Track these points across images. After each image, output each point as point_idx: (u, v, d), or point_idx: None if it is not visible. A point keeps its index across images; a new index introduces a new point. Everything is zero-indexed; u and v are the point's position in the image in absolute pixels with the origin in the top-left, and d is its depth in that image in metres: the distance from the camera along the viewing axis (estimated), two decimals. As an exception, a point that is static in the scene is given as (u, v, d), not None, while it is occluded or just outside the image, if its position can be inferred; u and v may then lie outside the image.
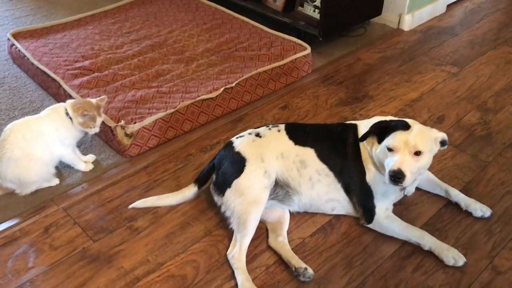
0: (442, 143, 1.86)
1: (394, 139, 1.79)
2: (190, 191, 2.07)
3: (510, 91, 2.88)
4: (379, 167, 1.88)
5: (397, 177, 1.73)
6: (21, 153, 2.04)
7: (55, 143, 2.12)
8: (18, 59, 3.02)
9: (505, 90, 2.88)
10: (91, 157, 2.29)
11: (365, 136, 1.90)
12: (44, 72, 2.77)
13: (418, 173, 1.82)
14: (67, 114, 2.12)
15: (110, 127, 2.33)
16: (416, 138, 1.77)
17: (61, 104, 2.19)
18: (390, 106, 2.74)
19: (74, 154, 2.22)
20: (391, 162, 1.77)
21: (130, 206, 2.05)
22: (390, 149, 1.79)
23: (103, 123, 2.26)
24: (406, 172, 1.73)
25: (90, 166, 2.26)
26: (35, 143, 2.07)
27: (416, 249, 1.89)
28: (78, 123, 2.12)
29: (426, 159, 1.81)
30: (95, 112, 2.13)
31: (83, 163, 2.25)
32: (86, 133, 2.21)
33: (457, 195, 2.08)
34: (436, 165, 2.29)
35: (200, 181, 2.08)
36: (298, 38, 3.12)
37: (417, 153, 1.77)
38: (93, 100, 2.18)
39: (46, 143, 2.10)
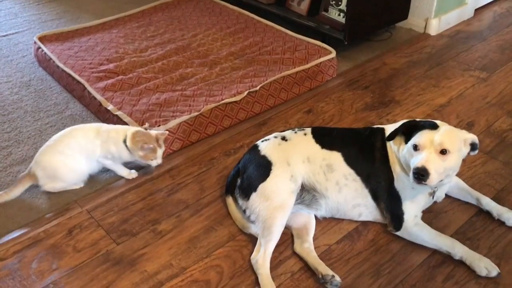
0: (472, 146, 1.81)
1: (421, 137, 1.75)
2: (231, 204, 2.00)
3: (542, 97, 2.80)
4: (406, 168, 1.83)
5: (420, 174, 1.68)
6: (69, 153, 2.08)
7: (101, 156, 2.13)
8: (44, 62, 3.04)
9: (537, 96, 2.80)
10: (134, 173, 2.24)
11: (393, 135, 1.85)
12: (69, 75, 2.79)
13: (446, 175, 1.76)
14: (124, 141, 2.10)
15: (134, 129, 2.32)
16: (442, 137, 1.72)
17: (123, 128, 2.17)
18: (417, 111, 2.68)
19: (118, 163, 2.21)
20: (416, 160, 1.72)
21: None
22: (415, 148, 1.75)
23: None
24: (430, 170, 1.68)
25: (134, 174, 2.23)
26: (85, 152, 2.10)
27: (446, 258, 1.82)
28: (138, 156, 2.10)
29: (454, 160, 1.74)
30: (155, 144, 2.10)
31: (126, 169, 2.22)
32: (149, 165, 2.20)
33: (488, 203, 2.01)
34: (466, 172, 2.22)
35: (230, 189, 2.03)
36: (323, 42, 3.08)
37: (443, 152, 1.71)
38: (153, 132, 2.13)
39: (93, 157, 2.12)
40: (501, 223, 1.96)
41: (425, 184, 1.71)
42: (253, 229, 1.90)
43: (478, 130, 2.52)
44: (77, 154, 2.10)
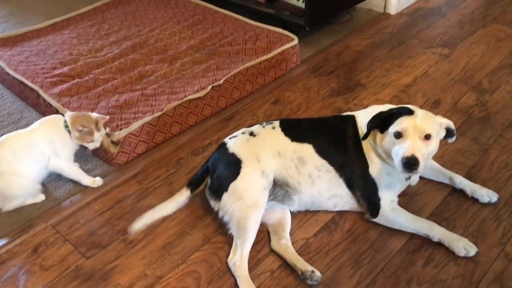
0: (448, 131, 1.80)
1: (402, 124, 1.71)
2: (182, 196, 1.96)
3: (504, 69, 2.82)
4: (385, 157, 1.80)
5: (411, 163, 1.64)
6: (6, 168, 1.93)
7: (50, 156, 2.02)
8: (-7, 70, 2.87)
9: (498, 69, 2.82)
10: (99, 180, 2.15)
11: (367, 134, 1.81)
12: (21, 82, 2.64)
13: (427, 160, 1.74)
14: (66, 126, 2.04)
15: (95, 135, 2.22)
16: (424, 122, 1.70)
17: (59, 116, 2.12)
18: (384, 93, 2.66)
19: (75, 167, 2.11)
20: (402, 149, 1.68)
21: (132, 231, 1.90)
22: (398, 136, 1.71)
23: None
24: (419, 157, 1.65)
25: (100, 182, 2.13)
26: (24, 157, 1.96)
27: (425, 241, 1.81)
28: (74, 137, 2.04)
29: (434, 144, 1.74)
30: (93, 127, 2.04)
31: (90, 177, 2.12)
32: (86, 148, 2.12)
33: (461, 181, 2.01)
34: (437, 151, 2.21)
35: (193, 185, 1.97)
36: (284, 28, 3.02)
37: (427, 137, 1.69)
38: (93, 115, 2.09)
39: (37, 157, 1.99)
40: (475, 200, 1.97)
41: (416, 173, 1.68)
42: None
43: (445, 108, 2.52)
44: (16, 164, 1.96)
